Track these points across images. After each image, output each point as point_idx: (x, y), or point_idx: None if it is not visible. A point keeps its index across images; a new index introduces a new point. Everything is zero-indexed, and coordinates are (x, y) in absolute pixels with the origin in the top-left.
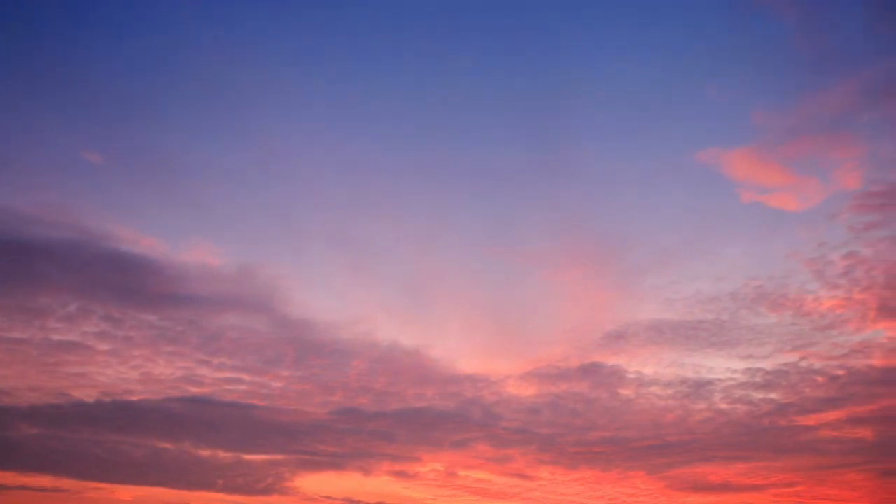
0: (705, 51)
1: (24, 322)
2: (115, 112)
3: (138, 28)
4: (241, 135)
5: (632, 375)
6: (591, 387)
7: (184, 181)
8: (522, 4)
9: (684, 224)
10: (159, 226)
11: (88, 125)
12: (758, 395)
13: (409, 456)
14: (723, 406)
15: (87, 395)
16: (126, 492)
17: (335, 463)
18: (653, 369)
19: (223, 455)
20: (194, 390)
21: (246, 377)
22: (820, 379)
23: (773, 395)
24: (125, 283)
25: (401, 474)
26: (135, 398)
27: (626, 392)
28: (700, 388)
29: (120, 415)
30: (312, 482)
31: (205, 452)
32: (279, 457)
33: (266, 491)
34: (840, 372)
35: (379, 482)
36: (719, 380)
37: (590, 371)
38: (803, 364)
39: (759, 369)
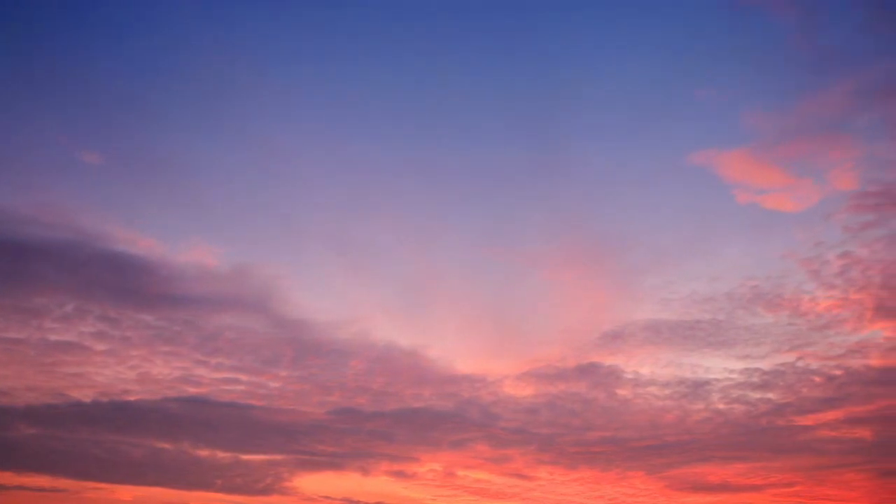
0: (703, 52)
1: (21, 322)
2: (113, 112)
3: (137, 28)
4: (240, 135)
5: (629, 375)
6: (588, 387)
7: (182, 181)
8: (521, 5)
9: (681, 224)
10: (157, 226)
11: (86, 125)
12: (755, 395)
13: (407, 456)
14: (720, 406)
15: (85, 395)
16: (125, 492)
17: (334, 463)
18: (650, 369)
19: (222, 455)
20: (192, 390)
21: (244, 377)
22: (817, 379)
23: (770, 395)
24: (122, 283)
25: (399, 474)
26: (132, 398)
27: (623, 392)
28: (698, 388)
29: (118, 415)
30: (311, 482)
31: (203, 452)
32: (278, 457)
33: (265, 491)
34: (837, 372)
35: (378, 482)
36: (717, 380)
37: (587, 371)
38: (800, 364)
39: (756, 369)
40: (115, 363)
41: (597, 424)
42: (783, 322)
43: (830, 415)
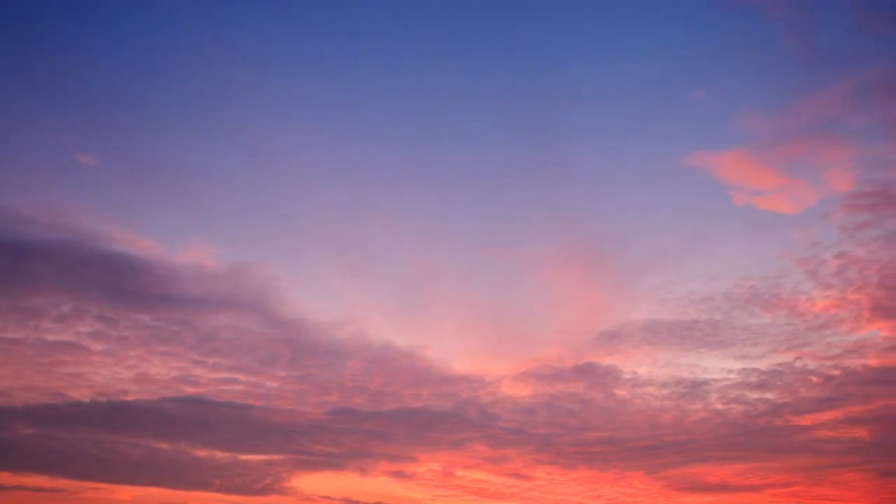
0: (699, 53)
1: (19, 322)
2: (112, 112)
3: (136, 28)
4: (238, 135)
5: (627, 376)
6: (586, 387)
7: (180, 181)
8: (520, 7)
9: (678, 225)
10: (155, 226)
11: (85, 125)
12: (753, 396)
13: (406, 456)
14: (719, 406)
15: (83, 395)
16: (125, 492)
17: (332, 463)
18: (648, 369)
19: (220, 455)
20: (190, 390)
21: (241, 377)
22: (815, 379)
23: (768, 395)
24: (119, 283)
25: (398, 474)
26: (130, 398)
27: (621, 392)
28: (695, 388)
29: (116, 415)
30: (310, 482)
31: (202, 452)
32: (276, 457)
33: (264, 491)
34: (835, 372)
35: (377, 482)
36: (714, 380)
37: (585, 371)
38: (798, 364)
39: (754, 369)
40: (113, 363)
41: (595, 424)
42: (780, 322)
43: (828, 415)
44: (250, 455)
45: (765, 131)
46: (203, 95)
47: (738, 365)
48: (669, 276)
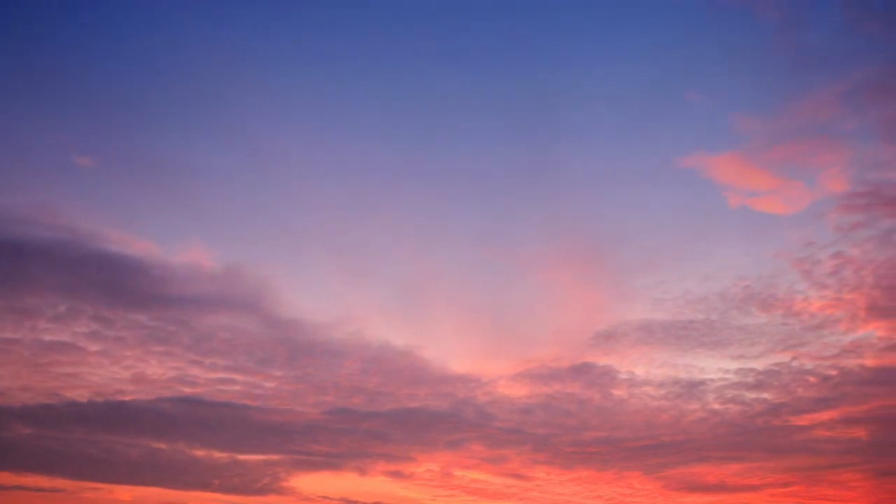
0: (693, 55)
1: (15, 322)
2: (110, 112)
3: (134, 29)
4: (234, 136)
5: (623, 376)
6: (583, 387)
7: (178, 182)
8: (518, 7)
9: (673, 226)
10: (153, 227)
11: (84, 125)
12: (750, 396)
13: (404, 456)
14: (716, 406)
15: (80, 395)
16: (124, 492)
17: (331, 463)
18: (644, 369)
19: (218, 455)
20: (187, 390)
21: (238, 377)
22: (812, 379)
23: (765, 395)
24: (115, 283)
25: (396, 474)
26: (127, 398)
27: (618, 392)
28: (692, 388)
29: (113, 415)
30: (309, 482)
31: (199, 452)
32: (274, 457)
33: (263, 491)
34: (832, 372)
35: (375, 482)
36: (711, 380)
37: (581, 371)
38: (795, 364)
39: (750, 369)
40: (110, 363)
41: (592, 424)
42: (777, 322)
43: (826, 415)
44: (248, 455)
45: (759, 133)
46: (201, 96)
47: (734, 365)
48: (665, 276)
